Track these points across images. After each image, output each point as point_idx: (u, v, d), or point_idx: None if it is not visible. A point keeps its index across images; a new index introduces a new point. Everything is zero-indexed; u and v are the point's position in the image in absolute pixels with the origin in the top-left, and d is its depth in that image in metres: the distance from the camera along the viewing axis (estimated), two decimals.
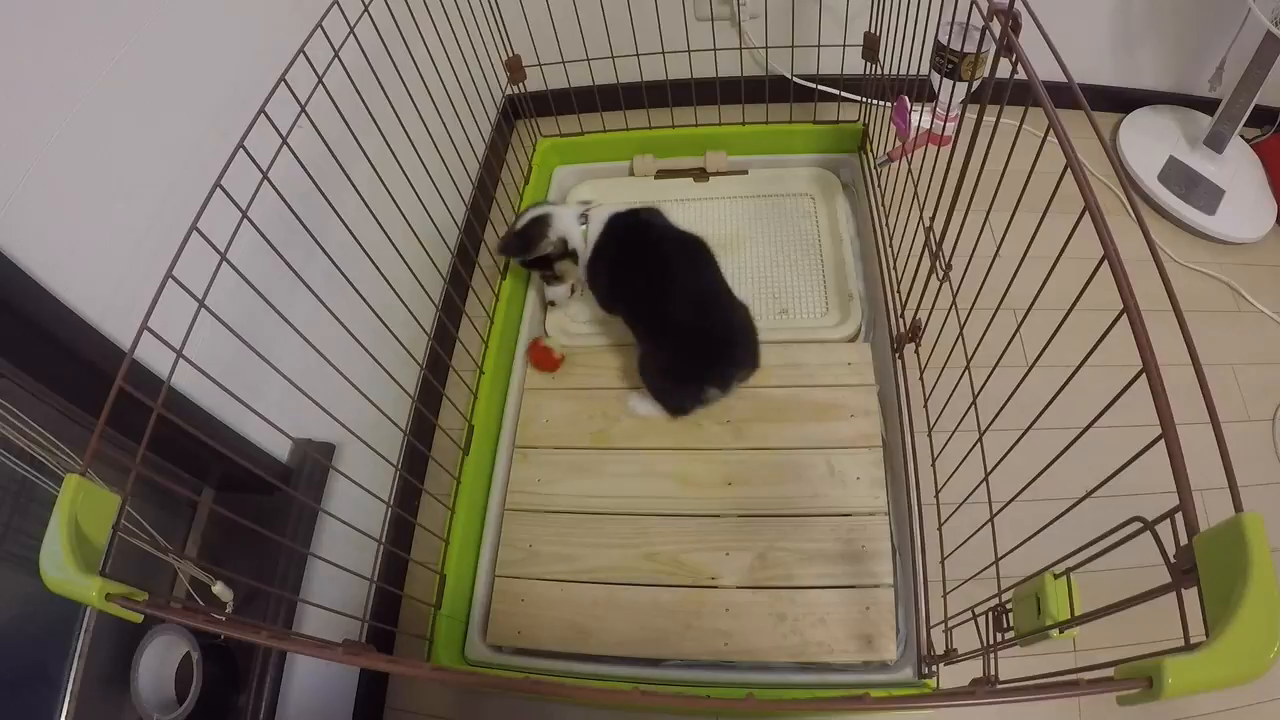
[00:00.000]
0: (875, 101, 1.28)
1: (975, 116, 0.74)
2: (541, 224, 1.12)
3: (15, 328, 0.58)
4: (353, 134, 0.86)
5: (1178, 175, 1.44)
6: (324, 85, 0.78)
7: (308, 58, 0.76)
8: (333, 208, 0.82)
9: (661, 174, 1.43)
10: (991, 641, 0.62)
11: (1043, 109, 0.60)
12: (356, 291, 0.82)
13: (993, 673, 0.64)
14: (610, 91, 1.33)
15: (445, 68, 1.08)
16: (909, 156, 1.12)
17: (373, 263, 0.85)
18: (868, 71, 1.27)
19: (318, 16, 0.80)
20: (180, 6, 0.72)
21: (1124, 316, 0.48)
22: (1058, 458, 0.58)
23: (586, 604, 0.98)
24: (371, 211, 0.87)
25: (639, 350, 1.10)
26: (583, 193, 1.45)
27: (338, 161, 0.82)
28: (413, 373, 1.05)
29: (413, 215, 0.97)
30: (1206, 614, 0.36)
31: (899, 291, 1.08)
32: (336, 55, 0.81)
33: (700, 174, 1.42)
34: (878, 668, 0.91)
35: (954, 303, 0.85)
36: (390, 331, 0.88)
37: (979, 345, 0.78)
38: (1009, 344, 0.70)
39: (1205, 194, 1.41)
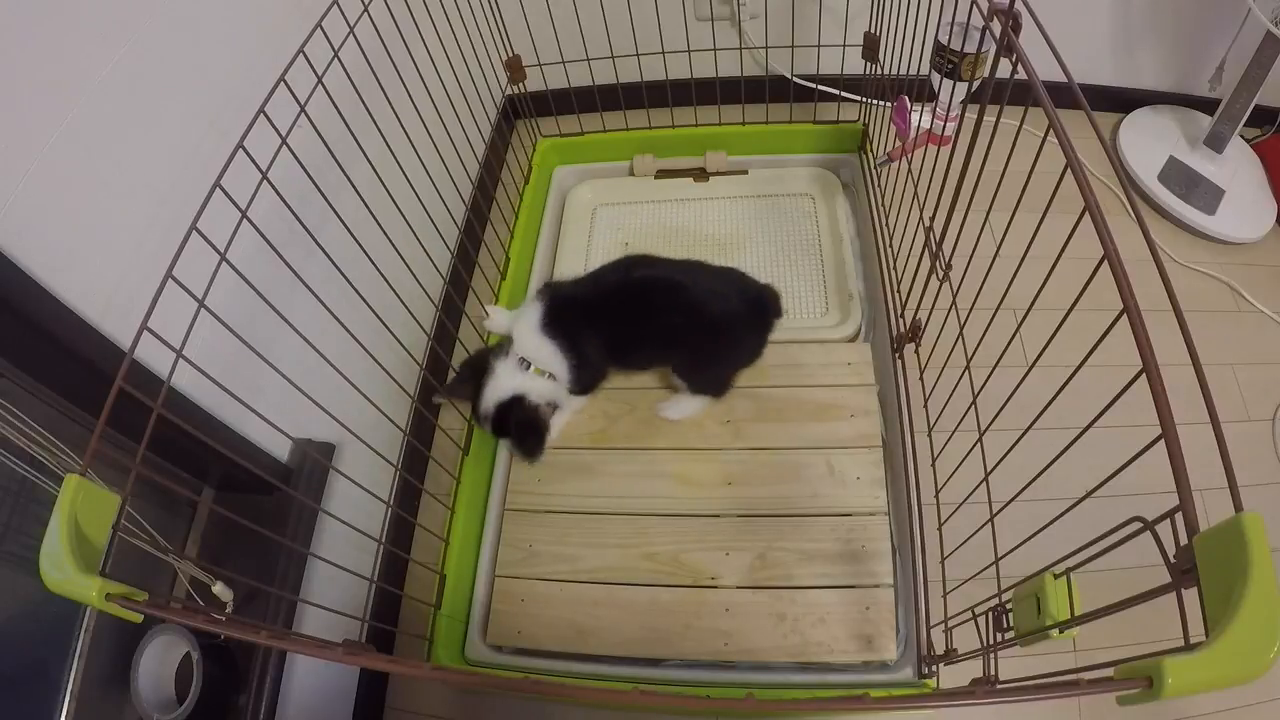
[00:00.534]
0: (875, 101, 1.28)
1: (975, 116, 0.74)
2: (520, 404, 0.99)
3: (15, 327, 0.58)
4: (352, 134, 0.86)
5: (1178, 175, 1.44)
6: (324, 85, 0.78)
7: (308, 58, 0.76)
8: (332, 208, 0.82)
9: (661, 174, 1.43)
10: (991, 641, 0.62)
11: (1043, 109, 0.60)
12: (356, 291, 0.82)
13: (993, 673, 0.64)
14: (610, 91, 1.33)
15: (445, 68, 1.08)
16: (909, 156, 1.12)
17: (372, 263, 0.85)
18: (868, 71, 1.27)
19: (318, 16, 0.80)
20: (180, 6, 0.72)
21: (1124, 316, 0.48)
22: (1058, 458, 0.58)
23: (586, 604, 0.98)
24: (371, 211, 0.87)
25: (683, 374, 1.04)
26: (583, 192, 1.45)
27: (337, 162, 0.82)
28: (413, 373, 1.05)
29: (413, 215, 0.97)
30: (1206, 614, 0.36)
31: (899, 291, 1.08)
32: (336, 55, 0.81)
33: (700, 174, 1.42)
34: (878, 668, 0.91)
35: (954, 303, 0.85)
36: (390, 331, 0.88)
37: (979, 345, 0.78)
38: (1009, 344, 0.70)
39: (1205, 194, 1.42)
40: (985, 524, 0.70)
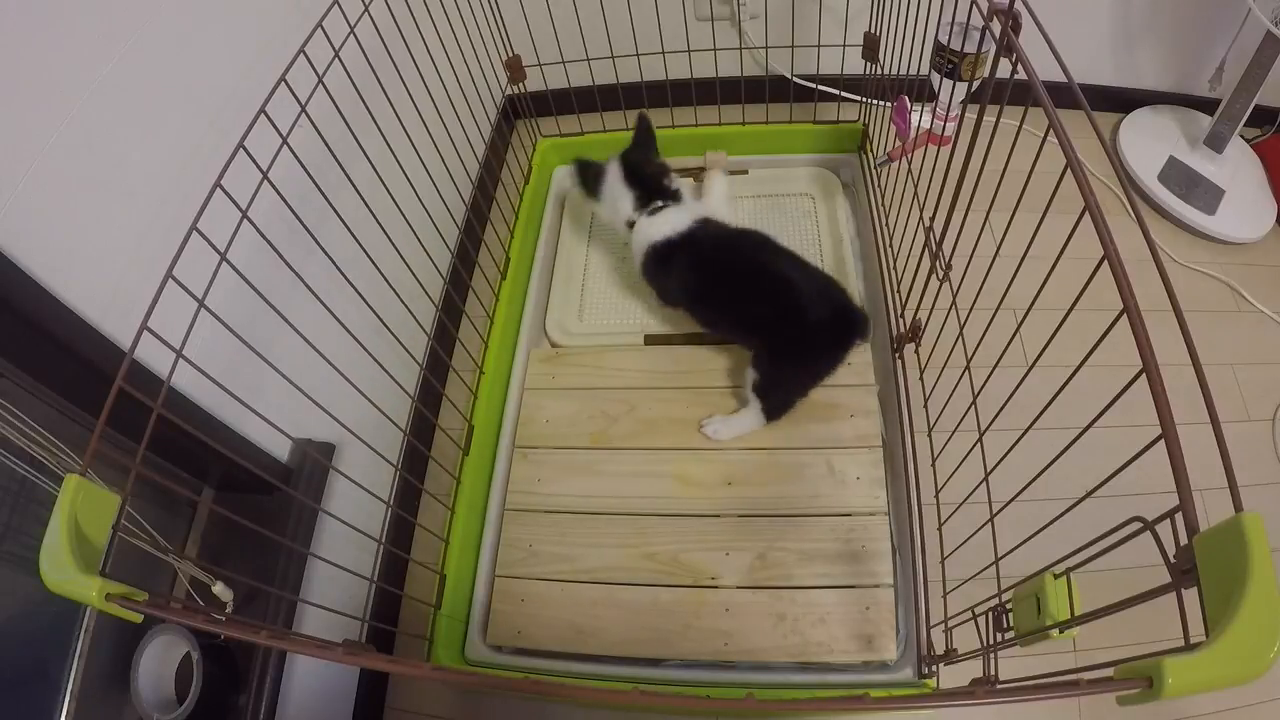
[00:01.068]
0: (875, 101, 1.28)
1: (975, 116, 0.74)
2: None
3: (15, 327, 0.58)
4: (353, 134, 0.86)
5: (1178, 175, 1.44)
6: (324, 85, 0.78)
7: (308, 58, 0.76)
8: (333, 208, 0.82)
9: None
10: (991, 641, 0.62)
11: (1043, 109, 0.60)
12: (356, 291, 0.82)
13: (993, 673, 0.64)
14: (610, 91, 1.33)
15: (445, 68, 1.08)
16: (909, 156, 1.12)
17: (373, 263, 0.85)
18: (868, 71, 1.27)
19: (318, 16, 0.80)
20: (180, 6, 0.72)
21: (1124, 316, 0.48)
22: (1058, 458, 0.58)
23: (586, 604, 0.98)
24: (371, 211, 0.87)
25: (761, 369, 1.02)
26: None
27: (338, 161, 0.82)
28: (413, 373, 1.06)
29: (413, 215, 0.97)
30: (1206, 614, 0.36)
31: (899, 291, 1.08)
32: (336, 55, 0.81)
33: (701, 174, 1.42)
34: (878, 668, 0.91)
35: (954, 303, 0.85)
36: (390, 331, 0.88)
37: (979, 345, 0.78)
38: (1009, 344, 0.70)
39: (1205, 194, 1.41)
40: (985, 524, 0.70)
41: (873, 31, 1.22)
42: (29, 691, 0.73)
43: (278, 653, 0.84)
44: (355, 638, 0.92)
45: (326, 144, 0.81)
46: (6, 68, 0.56)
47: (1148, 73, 1.55)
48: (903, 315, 1.05)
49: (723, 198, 1.21)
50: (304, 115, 0.75)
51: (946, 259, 0.87)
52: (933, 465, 0.89)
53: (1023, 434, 0.65)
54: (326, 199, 0.80)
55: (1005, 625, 0.60)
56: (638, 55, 1.31)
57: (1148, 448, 0.46)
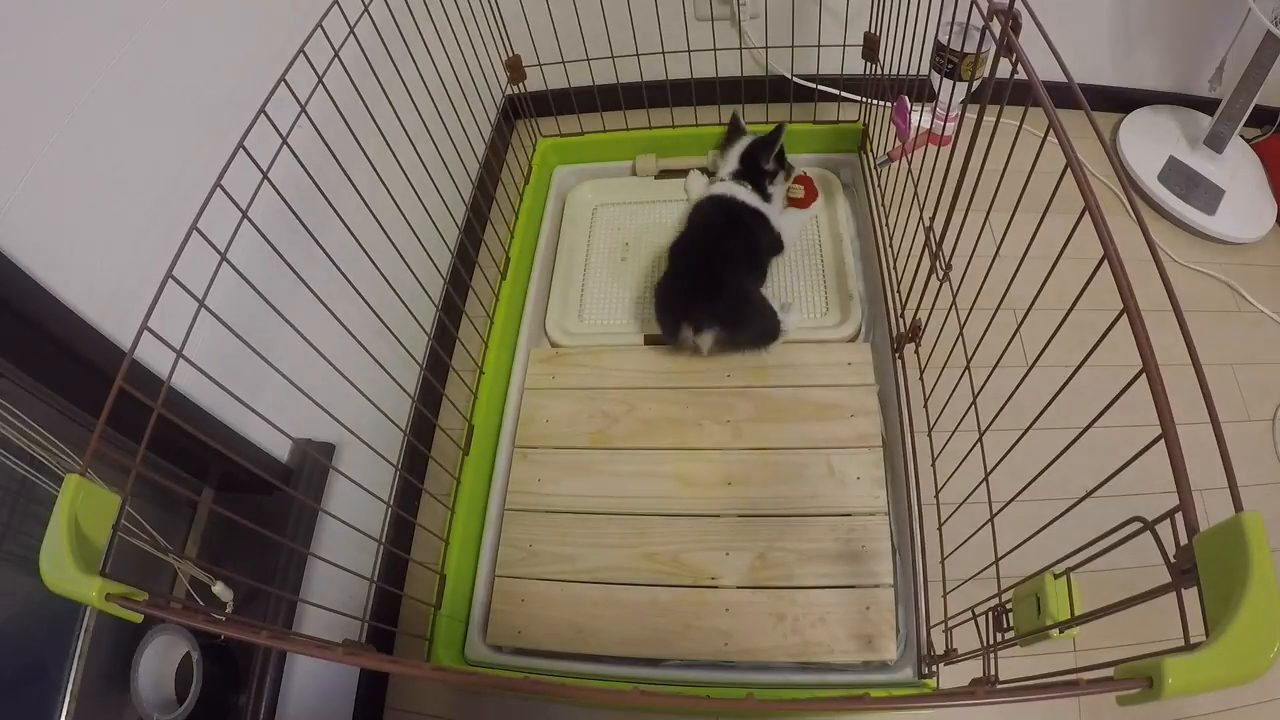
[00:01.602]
0: (875, 101, 1.28)
1: (975, 116, 0.74)
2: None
3: (15, 327, 0.58)
4: (353, 134, 0.86)
5: (1178, 175, 1.44)
6: (324, 85, 0.78)
7: (308, 58, 0.76)
8: (333, 208, 0.82)
9: (664, 174, 1.43)
10: (991, 641, 0.62)
11: (1043, 109, 0.60)
12: (356, 291, 0.82)
13: (993, 673, 0.64)
14: (610, 91, 1.33)
15: (445, 68, 1.08)
16: (909, 156, 1.12)
17: (373, 263, 0.85)
18: (868, 71, 1.27)
19: (318, 16, 0.80)
20: (180, 6, 0.72)
21: (1124, 316, 0.48)
22: (1058, 458, 0.58)
23: (586, 604, 0.98)
24: (371, 211, 0.87)
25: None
26: (583, 193, 1.45)
27: (338, 162, 0.82)
28: (413, 373, 1.06)
29: (413, 215, 0.97)
30: (1206, 614, 0.36)
31: (899, 291, 1.08)
32: (336, 55, 0.81)
33: (693, 174, 1.42)
34: (878, 668, 0.91)
35: (954, 303, 0.85)
36: (390, 331, 0.88)
37: (979, 345, 0.78)
38: (1009, 344, 0.70)
39: (1205, 194, 1.41)
40: (985, 524, 0.70)
41: (873, 31, 1.22)
42: (29, 691, 0.73)
43: (278, 653, 0.84)
44: (355, 638, 0.92)
45: (326, 144, 0.81)
46: (6, 68, 0.56)
47: (1148, 73, 1.55)
48: (903, 315, 1.05)
49: (795, 225, 1.34)
50: (304, 115, 0.75)
51: (946, 259, 0.87)
52: (933, 465, 0.89)
53: (1023, 434, 0.65)
54: (326, 199, 0.80)
55: (1005, 625, 0.60)
56: (638, 55, 1.31)
57: (1148, 448, 0.46)
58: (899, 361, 1.06)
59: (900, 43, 1.05)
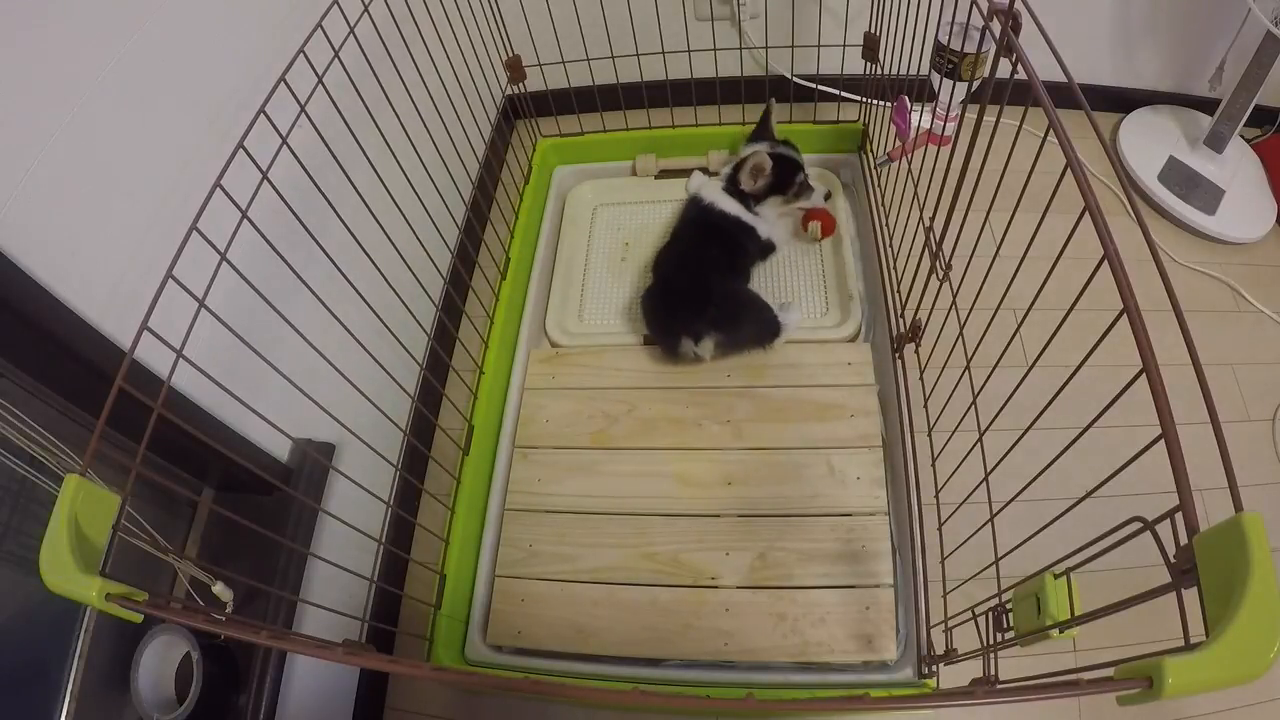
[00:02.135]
0: (875, 101, 1.28)
1: (975, 116, 0.74)
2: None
3: (15, 327, 0.58)
4: (353, 134, 0.86)
5: (1178, 175, 1.44)
6: (324, 85, 0.78)
7: (308, 58, 0.76)
8: (333, 208, 0.82)
9: (663, 174, 1.43)
10: (991, 641, 0.62)
11: (1043, 109, 0.60)
12: (357, 291, 0.82)
13: (993, 673, 0.64)
14: (610, 91, 1.33)
15: (445, 68, 1.08)
16: (909, 156, 1.12)
17: (373, 263, 0.85)
18: (868, 71, 1.27)
19: (318, 16, 0.80)
20: (180, 6, 0.72)
21: (1124, 316, 0.48)
22: (1058, 458, 0.58)
23: (586, 604, 0.98)
24: (371, 211, 0.87)
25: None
26: (583, 192, 1.45)
27: (338, 162, 0.82)
28: (413, 373, 1.06)
29: (413, 215, 0.97)
30: (1206, 614, 0.36)
31: (899, 291, 1.08)
32: (336, 55, 0.81)
33: (702, 174, 1.42)
34: (878, 668, 0.91)
35: (954, 303, 0.85)
36: (390, 331, 0.88)
37: (979, 345, 0.78)
38: (1009, 344, 0.70)
39: (1205, 194, 1.41)
40: (985, 524, 0.70)
41: (873, 31, 1.22)
42: (29, 691, 0.73)
43: (278, 653, 0.84)
44: (355, 638, 0.92)
45: (326, 144, 0.81)
46: (6, 67, 0.56)
47: (1148, 73, 1.55)
48: (903, 315, 1.05)
49: (784, 233, 1.29)
50: (304, 115, 0.75)
51: (946, 259, 0.87)
52: (933, 465, 0.89)
53: (1023, 434, 0.65)
54: (326, 199, 0.80)
55: (1005, 625, 0.60)
56: (638, 55, 1.31)
57: (1148, 448, 0.46)
58: (899, 361, 1.06)
59: (900, 43, 1.05)
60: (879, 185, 1.25)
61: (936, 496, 0.88)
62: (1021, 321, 0.68)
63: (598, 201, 1.44)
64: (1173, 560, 0.40)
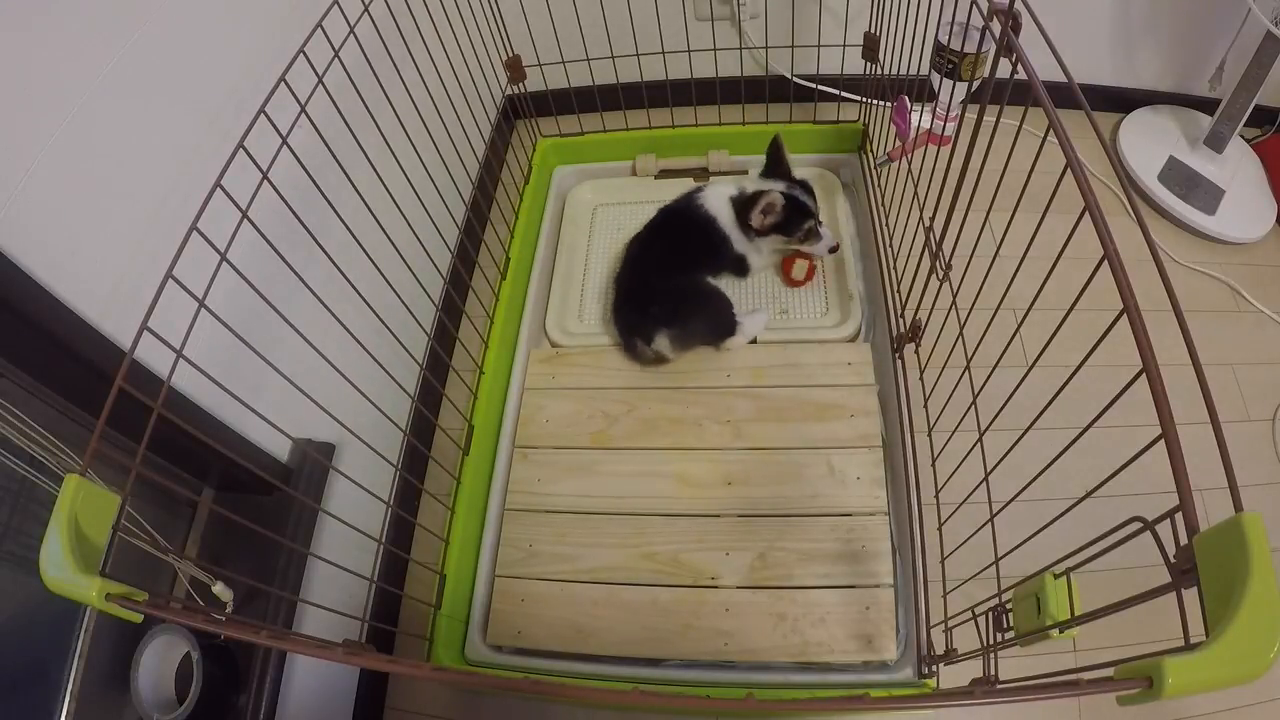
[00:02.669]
0: (875, 101, 1.28)
1: (975, 116, 0.74)
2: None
3: (15, 327, 0.58)
4: (353, 134, 0.86)
5: (1178, 175, 1.44)
6: (324, 85, 0.78)
7: (308, 58, 0.76)
8: (333, 208, 0.82)
9: (663, 174, 1.43)
10: (991, 641, 0.62)
11: (1043, 109, 0.60)
12: (357, 291, 0.82)
13: (993, 673, 0.64)
14: (610, 91, 1.33)
15: (445, 68, 1.08)
16: (909, 156, 1.12)
17: (373, 263, 0.85)
18: (868, 71, 1.27)
19: (318, 16, 0.80)
20: (180, 6, 0.72)
21: (1124, 316, 0.48)
22: (1058, 458, 0.58)
23: (586, 604, 0.98)
24: (371, 211, 0.87)
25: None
26: (583, 192, 1.45)
27: (338, 162, 0.82)
28: (413, 373, 1.05)
29: (413, 215, 0.97)
30: (1206, 614, 0.36)
31: (899, 291, 1.08)
32: (336, 55, 0.81)
33: (702, 174, 1.42)
34: (878, 668, 0.91)
35: (954, 303, 0.85)
36: (390, 331, 0.88)
37: (979, 345, 0.78)
38: (1009, 344, 0.70)
39: (1205, 194, 1.41)
40: (985, 524, 0.70)
41: (873, 31, 1.22)
42: (29, 691, 0.73)
43: (278, 653, 0.84)
44: (355, 638, 0.92)
45: (326, 144, 0.81)
46: (6, 67, 0.56)
47: (1148, 73, 1.55)
48: (903, 315, 1.05)
49: (765, 258, 1.26)
50: (304, 115, 0.75)
51: (946, 259, 0.87)
52: (933, 465, 0.89)
53: (1023, 434, 0.65)
54: (326, 199, 0.80)
55: (1005, 625, 0.60)
56: (638, 55, 1.31)
57: (1148, 448, 0.46)
58: (899, 361, 1.06)
59: (900, 43, 1.05)
60: (879, 185, 1.25)
61: (936, 496, 0.88)
62: (1021, 321, 0.68)
63: (598, 201, 1.44)
64: (1173, 560, 0.40)
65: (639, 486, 1.07)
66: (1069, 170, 0.56)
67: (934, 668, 0.83)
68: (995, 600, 0.62)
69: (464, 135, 1.16)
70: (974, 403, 0.78)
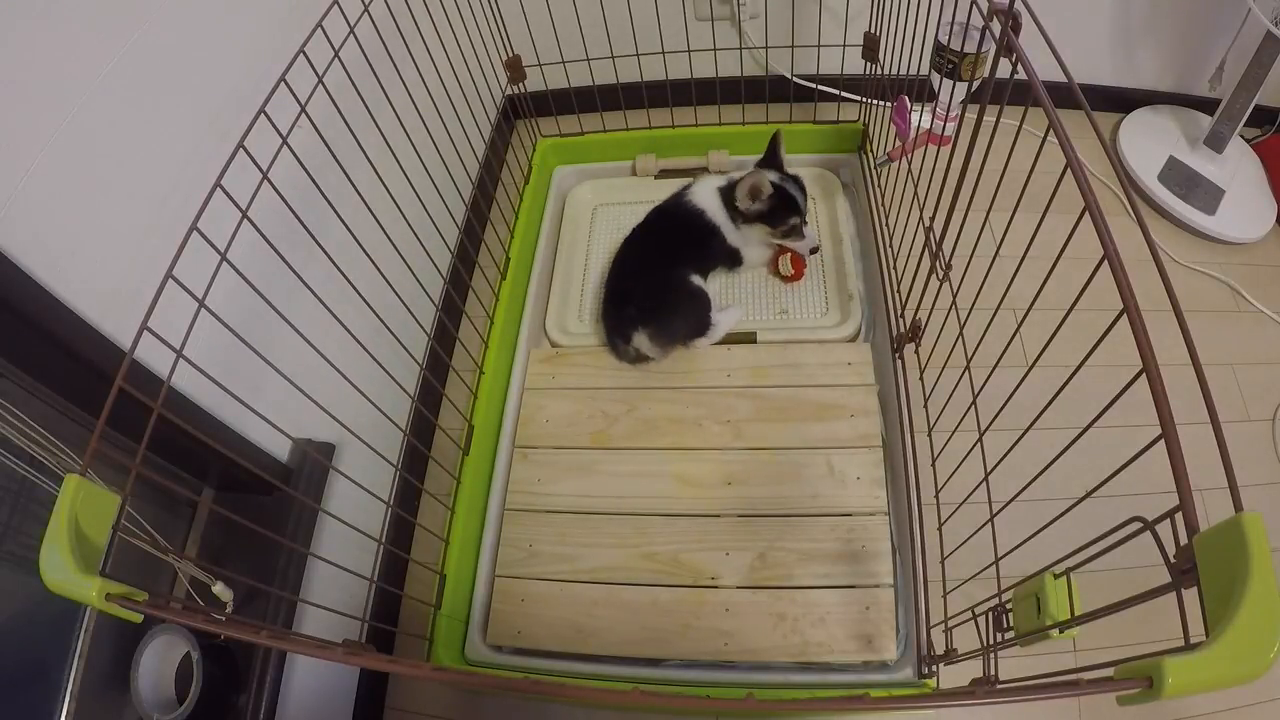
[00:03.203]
0: (875, 101, 1.28)
1: (975, 116, 0.74)
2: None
3: (15, 327, 0.58)
4: (353, 134, 0.86)
5: (1178, 175, 1.44)
6: (324, 85, 0.78)
7: (308, 58, 0.76)
8: (333, 208, 0.82)
9: (664, 174, 1.43)
10: (991, 641, 0.62)
11: (1043, 109, 0.60)
12: (356, 291, 0.82)
13: (993, 673, 0.64)
14: (610, 91, 1.33)
15: (445, 68, 1.08)
16: (909, 156, 1.12)
17: (373, 263, 0.85)
18: (868, 71, 1.27)
19: (318, 16, 0.80)
20: (180, 6, 0.72)
21: (1124, 316, 0.48)
22: (1058, 458, 0.58)
23: (586, 604, 0.98)
24: (371, 211, 0.87)
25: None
26: (583, 192, 1.45)
27: (338, 162, 0.82)
28: (413, 373, 1.05)
29: (413, 215, 0.97)
30: (1206, 614, 0.36)
31: (899, 291, 1.08)
32: (336, 55, 0.81)
33: (702, 174, 1.42)
34: (878, 668, 0.91)
35: (954, 303, 0.85)
36: (390, 331, 0.88)
37: (979, 345, 0.78)
38: (1009, 344, 0.70)
39: (1205, 194, 1.41)
40: (985, 524, 0.70)
41: (873, 31, 1.22)
42: (29, 691, 0.73)
43: (278, 653, 0.84)
44: (355, 638, 0.92)
45: (326, 144, 0.81)
46: (6, 67, 0.56)
47: (1148, 73, 1.55)
48: (903, 315, 1.05)
49: (759, 252, 1.26)
50: (304, 115, 0.75)
51: (946, 259, 0.87)
52: (933, 465, 0.89)
53: (1023, 434, 0.65)
54: (326, 199, 0.80)
55: (1005, 625, 0.60)
56: (638, 55, 1.31)
57: (1148, 448, 0.46)
58: (899, 361, 1.06)
59: (900, 43, 1.05)
60: (879, 185, 1.25)
61: (936, 496, 0.88)
62: (1021, 321, 0.68)
63: (598, 201, 1.44)
64: (1173, 560, 0.40)
65: (639, 486, 1.07)
66: (1069, 170, 0.56)
67: (934, 668, 0.83)
68: (995, 600, 0.62)
69: (464, 135, 1.16)
70: (974, 403, 0.78)
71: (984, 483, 0.72)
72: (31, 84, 0.58)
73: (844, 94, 1.49)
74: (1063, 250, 0.59)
